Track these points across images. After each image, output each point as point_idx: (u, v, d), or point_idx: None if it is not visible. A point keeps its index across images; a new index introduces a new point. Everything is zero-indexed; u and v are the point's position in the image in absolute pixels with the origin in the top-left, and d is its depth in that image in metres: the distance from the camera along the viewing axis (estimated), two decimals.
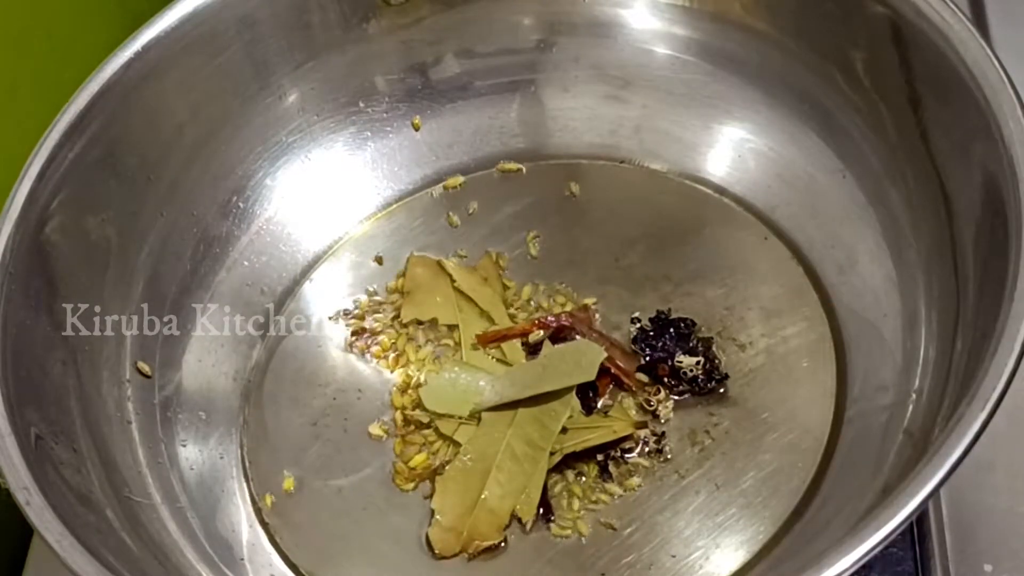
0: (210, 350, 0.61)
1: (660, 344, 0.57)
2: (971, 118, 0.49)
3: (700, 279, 0.60)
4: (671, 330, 0.57)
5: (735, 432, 0.55)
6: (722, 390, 0.56)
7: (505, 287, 0.62)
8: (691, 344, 0.57)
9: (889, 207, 0.56)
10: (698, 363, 0.56)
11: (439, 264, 0.63)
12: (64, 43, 0.67)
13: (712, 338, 0.58)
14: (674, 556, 0.52)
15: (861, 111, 0.57)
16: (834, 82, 0.58)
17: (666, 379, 0.56)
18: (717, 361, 0.57)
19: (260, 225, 0.65)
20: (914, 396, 0.51)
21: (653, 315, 0.59)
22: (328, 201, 0.66)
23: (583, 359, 0.56)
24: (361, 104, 0.66)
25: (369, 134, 0.67)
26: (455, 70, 0.66)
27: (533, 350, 0.59)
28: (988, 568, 0.51)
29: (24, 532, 0.60)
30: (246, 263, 0.64)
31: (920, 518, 0.53)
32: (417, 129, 0.67)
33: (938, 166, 0.52)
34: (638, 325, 0.59)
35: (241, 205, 0.64)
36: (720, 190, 0.63)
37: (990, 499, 0.53)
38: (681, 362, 0.56)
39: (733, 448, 0.55)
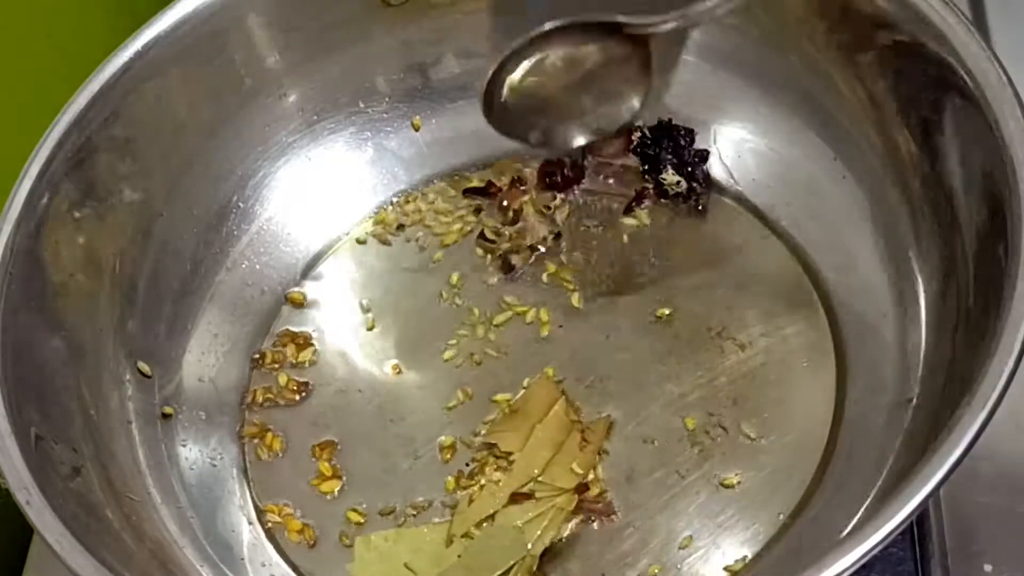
0: (210, 350, 0.61)
1: (656, 152, 0.58)
2: (971, 118, 0.49)
3: (700, 279, 0.60)
4: (668, 140, 0.58)
5: (735, 432, 0.55)
6: (700, 207, 0.59)
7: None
8: (685, 158, 0.58)
9: (889, 207, 0.56)
10: (678, 182, 0.58)
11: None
12: (64, 43, 0.67)
13: (707, 151, 0.58)
14: (674, 556, 0.52)
15: (861, 111, 0.57)
16: (834, 82, 0.58)
17: (650, 190, 0.59)
18: (701, 179, 0.58)
19: (260, 225, 0.65)
20: (914, 396, 0.51)
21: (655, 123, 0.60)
22: (328, 201, 0.66)
23: (507, 542, 0.53)
24: (361, 104, 0.66)
25: (369, 134, 0.67)
26: (455, 70, 0.66)
27: None
28: (988, 568, 0.51)
29: (24, 532, 0.60)
30: (246, 263, 0.64)
31: (920, 518, 0.53)
32: (417, 129, 0.67)
33: (938, 166, 0.52)
34: (639, 133, 0.59)
35: (241, 205, 0.64)
36: (720, 190, 0.63)
37: (990, 499, 0.53)
38: (665, 178, 0.57)
39: (733, 448, 0.55)
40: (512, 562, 0.52)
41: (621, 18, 0.53)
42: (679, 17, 0.51)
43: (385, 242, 0.65)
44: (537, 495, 0.54)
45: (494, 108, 0.54)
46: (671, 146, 0.58)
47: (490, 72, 0.53)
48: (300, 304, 0.63)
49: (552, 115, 0.55)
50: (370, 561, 0.55)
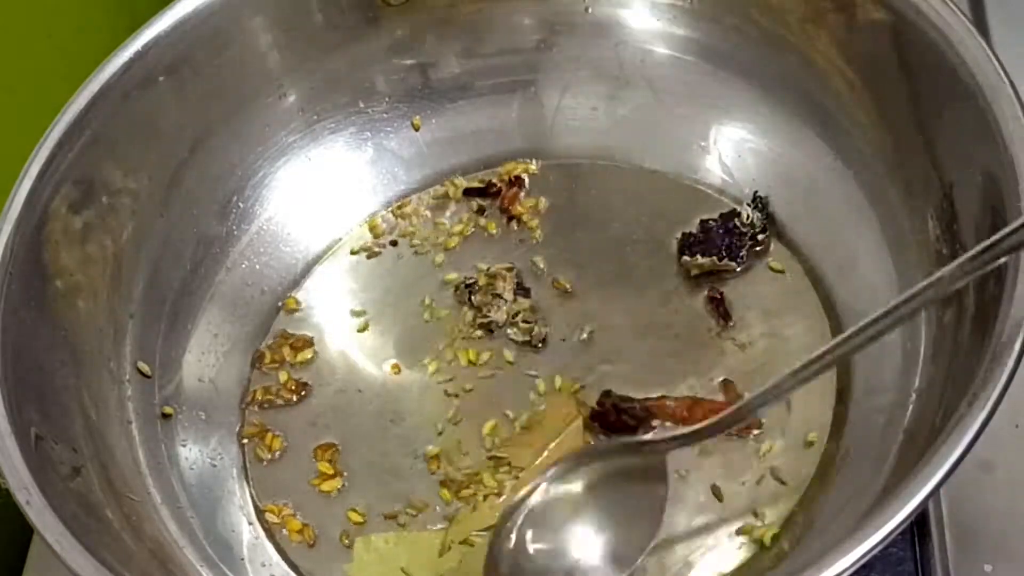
0: (210, 350, 0.61)
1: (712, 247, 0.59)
2: (971, 118, 0.49)
3: (701, 279, 0.60)
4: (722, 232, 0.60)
5: (735, 432, 0.55)
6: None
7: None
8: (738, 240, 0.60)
9: (889, 207, 0.56)
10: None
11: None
12: (64, 43, 0.67)
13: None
14: (674, 556, 0.52)
15: (861, 111, 0.57)
16: (834, 82, 0.58)
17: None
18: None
19: (260, 225, 0.65)
20: (914, 396, 0.51)
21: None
22: (328, 201, 0.66)
23: None
24: (361, 104, 0.66)
25: (369, 134, 0.67)
26: (455, 70, 0.66)
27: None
28: (988, 568, 0.51)
29: (24, 532, 0.60)
30: (246, 263, 0.64)
31: (920, 518, 0.53)
32: (417, 129, 0.67)
33: (938, 166, 0.52)
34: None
35: (241, 205, 0.64)
36: (720, 190, 0.63)
37: (990, 499, 0.53)
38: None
39: (733, 448, 0.55)
40: None
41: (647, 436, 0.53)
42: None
43: (384, 244, 0.65)
44: None
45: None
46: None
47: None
48: (295, 310, 0.63)
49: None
50: (369, 562, 0.55)
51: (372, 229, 0.65)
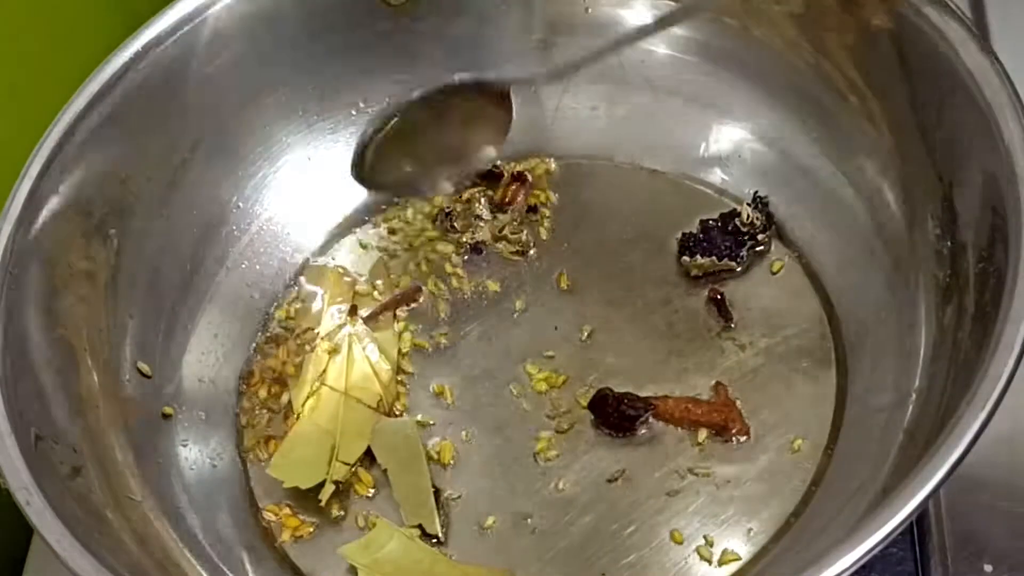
0: (210, 350, 0.61)
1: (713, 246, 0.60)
2: (971, 118, 0.49)
3: (701, 279, 0.60)
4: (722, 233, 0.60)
5: (725, 437, 0.55)
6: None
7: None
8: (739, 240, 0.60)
9: (889, 208, 0.56)
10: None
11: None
12: (64, 43, 0.67)
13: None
14: (674, 556, 0.52)
15: (861, 111, 0.57)
16: (834, 82, 0.58)
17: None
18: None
19: (260, 225, 0.65)
20: (914, 396, 0.51)
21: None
22: (328, 201, 0.66)
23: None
24: (361, 104, 0.66)
25: None
26: (455, 70, 0.66)
27: None
28: (988, 568, 0.51)
29: (24, 532, 0.60)
30: (246, 263, 0.64)
31: (920, 518, 0.53)
32: None
33: (938, 166, 0.52)
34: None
35: (241, 205, 0.64)
36: (720, 190, 0.63)
37: (990, 499, 0.53)
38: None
39: (733, 448, 0.55)
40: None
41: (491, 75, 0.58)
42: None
43: (385, 245, 0.65)
44: None
45: (363, 168, 0.59)
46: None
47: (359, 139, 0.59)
48: (291, 317, 0.63)
49: (417, 168, 0.61)
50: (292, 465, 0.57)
51: (379, 224, 0.66)
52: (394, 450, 0.57)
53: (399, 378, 0.60)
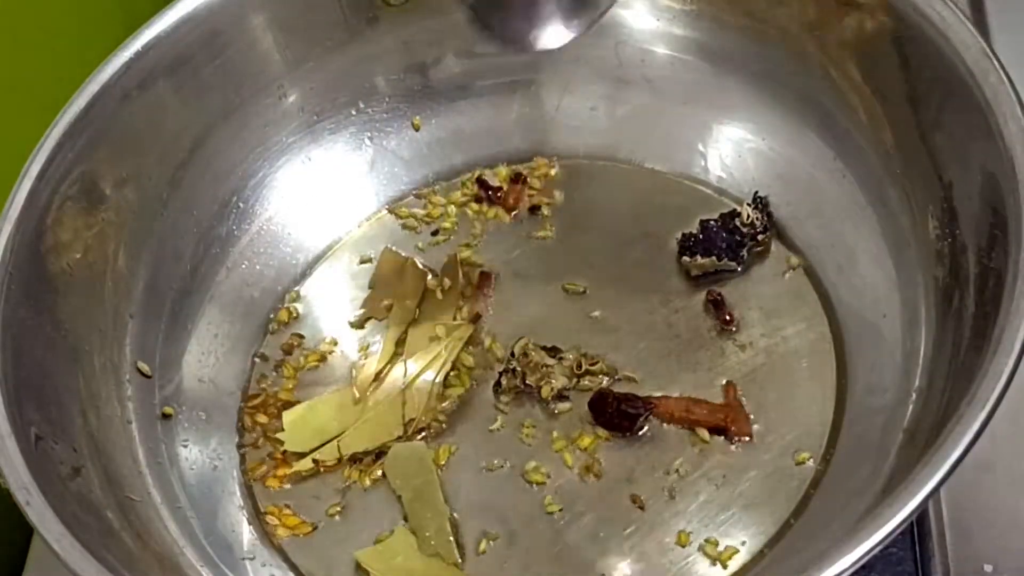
0: (210, 350, 0.61)
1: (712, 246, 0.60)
2: (971, 118, 0.49)
3: (701, 279, 0.60)
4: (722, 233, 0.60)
5: (728, 437, 0.55)
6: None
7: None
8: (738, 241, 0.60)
9: (889, 207, 0.56)
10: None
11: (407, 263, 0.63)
12: (64, 43, 0.67)
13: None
14: (674, 556, 0.52)
15: (861, 111, 0.57)
16: (834, 82, 0.58)
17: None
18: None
19: (260, 225, 0.65)
20: (914, 396, 0.51)
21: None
22: (328, 201, 0.66)
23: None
24: (361, 104, 0.66)
25: (369, 134, 0.67)
26: (455, 70, 0.66)
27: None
28: (988, 568, 0.51)
29: (24, 532, 0.60)
30: (246, 263, 0.64)
31: (920, 518, 0.53)
32: (417, 129, 0.67)
33: (938, 166, 0.52)
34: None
35: (241, 205, 0.64)
36: (720, 190, 0.63)
37: (990, 499, 0.53)
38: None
39: (733, 448, 0.55)
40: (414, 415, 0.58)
41: None
42: None
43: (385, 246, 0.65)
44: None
45: None
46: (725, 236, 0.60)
47: None
48: (289, 321, 0.63)
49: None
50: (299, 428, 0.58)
51: (379, 224, 0.66)
52: (409, 477, 0.56)
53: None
